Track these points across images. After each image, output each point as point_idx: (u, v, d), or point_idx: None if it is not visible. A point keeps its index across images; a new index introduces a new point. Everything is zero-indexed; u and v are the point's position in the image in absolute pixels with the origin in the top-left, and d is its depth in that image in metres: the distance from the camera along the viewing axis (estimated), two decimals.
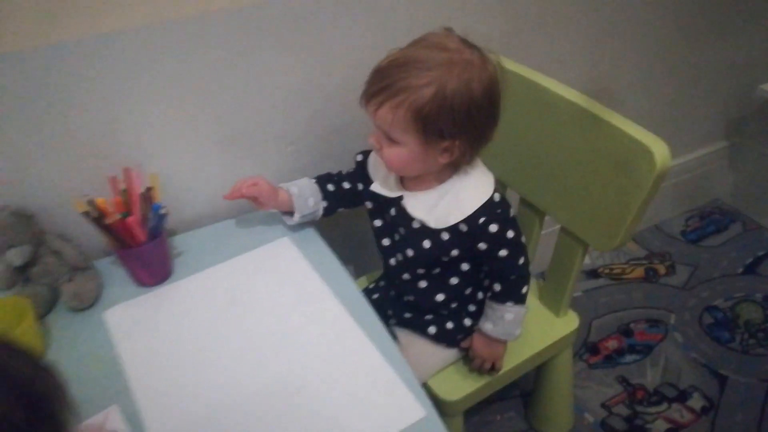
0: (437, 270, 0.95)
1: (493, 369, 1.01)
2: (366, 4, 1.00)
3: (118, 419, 0.75)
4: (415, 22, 0.91)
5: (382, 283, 1.10)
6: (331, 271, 0.95)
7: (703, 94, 1.69)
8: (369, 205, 1.00)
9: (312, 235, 1.03)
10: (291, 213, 1.01)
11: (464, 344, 1.01)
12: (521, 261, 0.92)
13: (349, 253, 1.15)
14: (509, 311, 0.94)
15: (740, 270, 1.75)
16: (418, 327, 1.02)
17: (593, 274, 1.75)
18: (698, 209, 1.98)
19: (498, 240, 0.88)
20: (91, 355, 0.83)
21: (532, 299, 1.16)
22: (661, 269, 1.76)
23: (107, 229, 0.85)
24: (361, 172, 1.00)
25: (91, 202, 0.85)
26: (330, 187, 1.02)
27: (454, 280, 0.97)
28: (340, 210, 1.04)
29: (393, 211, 0.94)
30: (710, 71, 1.64)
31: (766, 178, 1.86)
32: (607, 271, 1.76)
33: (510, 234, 0.89)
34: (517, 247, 0.91)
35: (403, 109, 0.78)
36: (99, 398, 0.77)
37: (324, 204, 1.02)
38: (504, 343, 0.99)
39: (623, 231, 0.94)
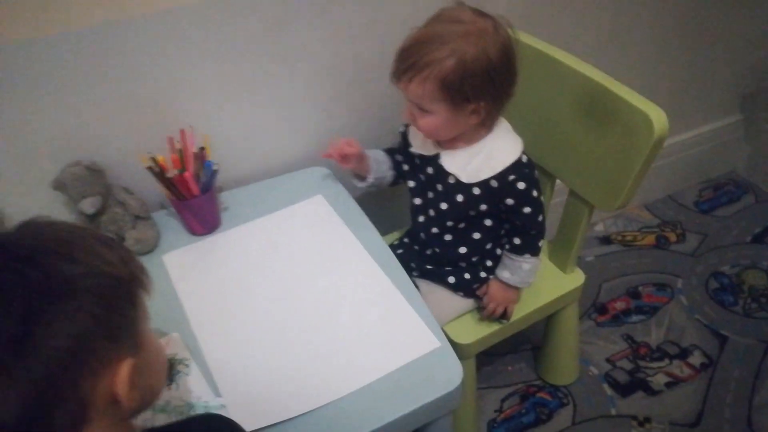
0: (463, 224, 1.07)
1: (505, 315, 1.12)
2: None
3: (180, 344, 0.89)
4: None
5: (405, 240, 1.22)
6: (360, 226, 1.07)
7: (718, 66, 1.74)
8: (405, 167, 1.12)
9: (343, 193, 1.14)
10: (362, 177, 1.13)
11: (480, 292, 1.12)
12: (540, 218, 1.04)
13: (376, 213, 1.27)
14: (527, 262, 1.06)
15: (749, 239, 1.82)
16: (438, 277, 1.13)
17: (606, 240, 1.85)
18: (713, 181, 2.04)
19: (524, 197, 1.00)
20: (153, 292, 0.97)
21: (542, 257, 1.27)
22: (672, 237, 1.85)
23: (167, 183, 0.98)
24: (404, 142, 1.11)
25: (153, 159, 0.97)
26: (398, 157, 1.14)
27: (476, 235, 1.08)
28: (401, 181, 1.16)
29: (430, 170, 1.05)
30: (725, 44, 1.69)
31: None
32: (619, 237, 1.85)
33: (534, 193, 1.01)
34: (539, 206, 1.03)
35: (430, 82, 0.89)
36: (161, 327, 0.90)
37: (392, 173, 1.14)
38: (518, 290, 1.10)
39: (625, 192, 1.03)
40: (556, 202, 1.29)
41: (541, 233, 1.06)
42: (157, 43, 0.98)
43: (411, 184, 1.11)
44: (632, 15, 1.45)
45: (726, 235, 1.84)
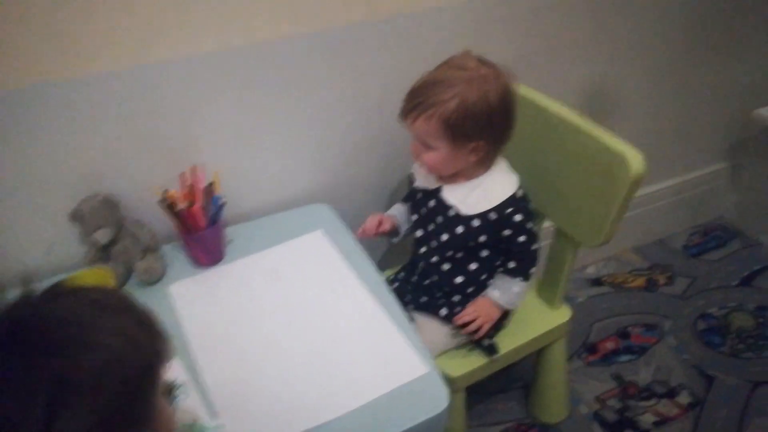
0: (461, 254, 1.14)
1: (478, 332, 1.15)
2: (396, 34, 1.19)
3: (179, 370, 0.94)
4: (439, 49, 1.09)
5: (401, 274, 1.28)
6: (357, 259, 1.13)
7: (704, 115, 1.82)
8: (409, 202, 1.22)
9: (343, 229, 1.21)
10: (395, 235, 1.23)
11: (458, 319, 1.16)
12: (534, 247, 1.12)
13: (375, 249, 1.33)
14: (517, 285, 1.14)
15: (736, 282, 1.87)
16: (431, 308, 1.19)
17: (597, 282, 1.90)
18: (702, 226, 2.10)
19: (520, 228, 1.08)
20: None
21: (530, 293, 1.32)
22: (661, 279, 1.90)
23: (176, 215, 1.05)
24: (410, 185, 1.21)
25: (165, 192, 1.05)
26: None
27: (473, 266, 1.15)
28: None
29: (432, 203, 1.13)
30: (711, 94, 1.78)
31: (765, 197, 1.99)
32: (610, 280, 1.91)
33: (529, 224, 1.10)
34: (533, 235, 1.11)
35: (434, 120, 0.99)
36: None
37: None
38: (501, 311, 1.16)
39: (606, 229, 1.10)
40: (543, 245, 1.35)
41: (534, 260, 1.14)
42: (177, 87, 1.07)
43: (414, 217, 1.19)
44: (622, 66, 1.55)
45: (714, 278, 1.89)
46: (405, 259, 1.28)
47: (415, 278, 1.24)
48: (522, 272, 1.14)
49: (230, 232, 1.20)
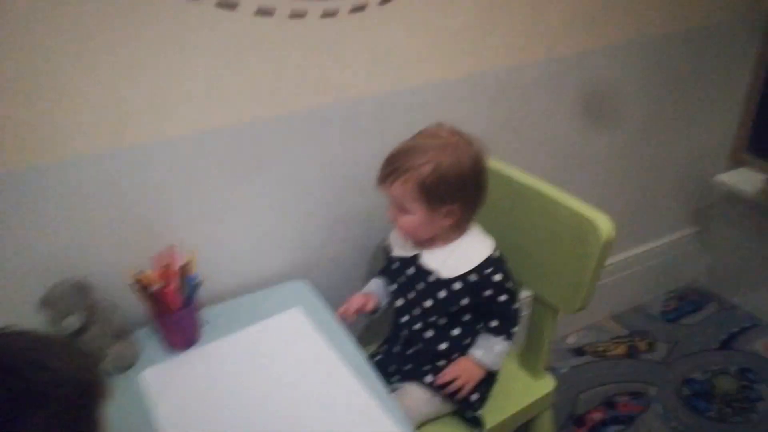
0: (443, 320, 1.14)
1: (460, 393, 1.13)
2: (367, 114, 1.23)
3: None
4: (409, 127, 1.13)
5: (384, 347, 1.26)
6: (336, 335, 1.11)
7: (669, 181, 1.89)
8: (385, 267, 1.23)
9: (321, 306, 1.19)
10: (375, 310, 1.22)
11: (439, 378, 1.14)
12: (515, 306, 1.13)
13: (356, 325, 1.31)
14: (499, 344, 1.13)
15: (716, 345, 1.88)
16: (416, 376, 1.17)
17: (579, 351, 1.88)
18: (676, 291, 2.13)
19: (500, 287, 1.10)
20: (129, 407, 0.98)
21: (512, 364, 1.31)
22: (642, 346, 1.89)
23: (149, 297, 1.03)
24: (387, 255, 1.22)
25: (138, 274, 1.03)
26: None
27: (455, 331, 1.15)
28: None
29: (411, 271, 1.15)
30: (673, 160, 1.85)
31: (736, 260, 2.04)
32: (591, 349, 1.89)
33: (509, 284, 1.12)
34: (513, 294, 1.13)
35: (410, 184, 1.03)
36: None
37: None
38: (483, 371, 1.14)
39: (583, 293, 1.11)
40: (522, 315, 1.35)
41: (515, 319, 1.14)
42: (153, 169, 1.07)
43: (392, 287, 1.19)
44: (587, 140, 1.61)
45: (694, 342, 1.90)
46: (386, 332, 1.26)
47: (398, 348, 1.22)
48: (504, 331, 1.14)
49: (205, 313, 1.17)
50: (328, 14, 1.11)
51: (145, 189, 1.09)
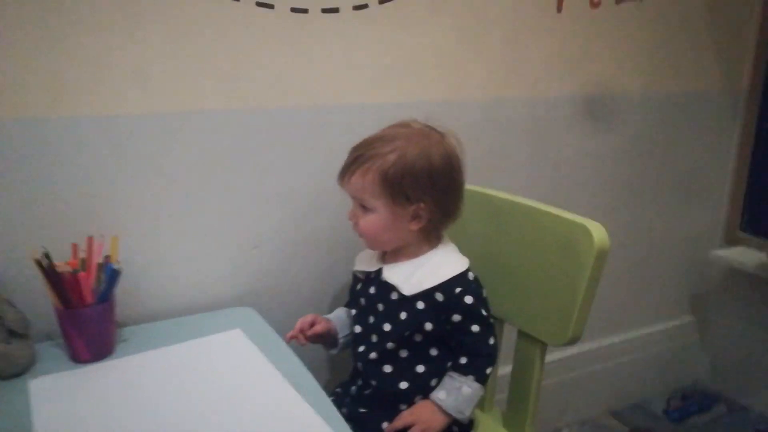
0: (405, 353, 0.95)
1: None
2: (336, 124, 1.14)
3: None
4: None
5: (339, 389, 1.05)
6: (282, 357, 0.92)
7: (663, 261, 1.76)
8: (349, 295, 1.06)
9: (267, 332, 1.01)
10: (332, 344, 1.04)
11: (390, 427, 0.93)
12: (491, 341, 0.94)
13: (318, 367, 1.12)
14: (468, 385, 0.92)
15: None
16: (371, 422, 0.94)
17: None
18: (679, 390, 1.91)
19: (472, 314, 0.93)
20: (7, 420, 0.77)
21: (495, 426, 1.09)
22: None
23: (55, 283, 0.85)
24: (353, 282, 1.07)
25: (46, 254, 0.86)
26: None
27: (420, 368, 0.95)
28: None
29: (372, 289, 0.98)
30: (667, 239, 1.74)
31: (741, 355, 1.85)
32: None
33: (483, 312, 0.94)
34: (489, 326, 0.95)
35: (371, 174, 0.89)
36: None
37: None
38: (446, 419, 0.92)
39: (574, 319, 0.94)
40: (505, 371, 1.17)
41: (490, 357, 0.94)
42: (86, 149, 0.95)
43: (353, 312, 1.03)
44: (569, 196, 1.50)
45: None
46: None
47: (354, 388, 1.01)
48: (475, 370, 0.93)
49: (128, 332, 0.99)
50: (298, 10, 1.06)
51: (67, 168, 0.95)
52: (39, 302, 0.89)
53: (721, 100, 1.70)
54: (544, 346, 1.02)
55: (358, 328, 1.00)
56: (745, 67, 1.69)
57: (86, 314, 0.87)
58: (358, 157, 0.91)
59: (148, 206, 1.02)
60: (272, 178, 1.11)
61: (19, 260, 0.91)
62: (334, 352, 1.06)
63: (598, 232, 0.92)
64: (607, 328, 1.73)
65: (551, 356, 1.57)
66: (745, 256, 1.70)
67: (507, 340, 1.10)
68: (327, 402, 0.82)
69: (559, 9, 1.36)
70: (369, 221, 0.93)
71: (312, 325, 1.01)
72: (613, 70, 1.47)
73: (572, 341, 0.97)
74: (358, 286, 1.03)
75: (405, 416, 0.92)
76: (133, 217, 1.01)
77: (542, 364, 1.04)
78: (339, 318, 1.06)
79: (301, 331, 0.99)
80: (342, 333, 1.05)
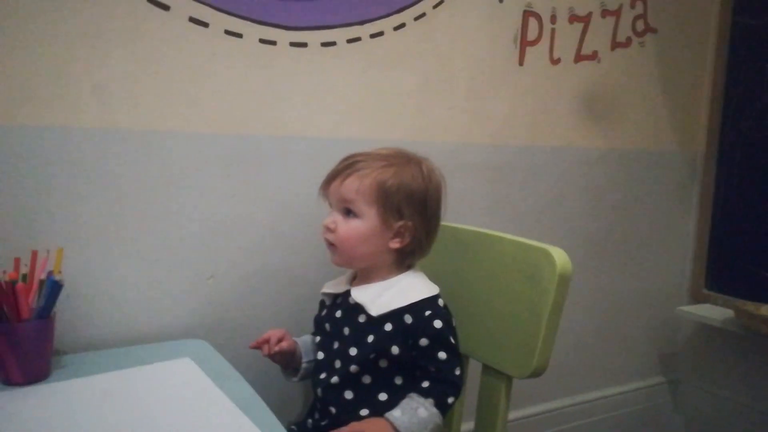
0: (368, 380, 0.91)
1: None
2: (302, 154, 1.14)
3: None
4: None
5: (297, 422, 0.99)
6: (230, 379, 0.87)
7: (627, 323, 1.75)
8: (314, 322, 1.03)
9: (221, 362, 0.95)
10: (293, 370, 1.00)
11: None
12: (458, 371, 0.91)
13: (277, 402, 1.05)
14: (426, 408, 0.87)
15: None
16: None
17: None
18: None
19: (440, 339, 0.90)
20: None
21: None
22: None
23: None
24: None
25: None
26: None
27: (382, 396, 0.91)
28: None
29: (338, 313, 0.96)
30: (633, 297, 1.74)
31: (715, 417, 1.80)
32: None
33: (452, 339, 0.92)
34: (456, 355, 0.92)
35: (369, 179, 0.89)
36: None
37: None
38: None
39: (537, 349, 0.92)
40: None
41: (454, 386, 0.90)
42: (38, 156, 0.93)
43: (317, 339, 0.99)
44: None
45: None
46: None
47: (310, 421, 0.95)
48: (437, 395, 0.88)
49: (66, 360, 0.92)
50: (267, 41, 1.08)
51: (18, 180, 0.92)
52: None
53: (679, 159, 1.75)
54: (509, 380, 0.98)
55: (320, 355, 0.96)
56: (701, 127, 1.76)
57: (22, 330, 0.81)
58: (356, 163, 0.92)
59: (97, 224, 0.98)
60: (231, 205, 1.09)
61: None
62: (294, 379, 1.01)
63: (560, 257, 0.91)
64: (575, 387, 1.68)
65: (517, 413, 1.54)
66: (711, 312, 1.69)
67: (471, 378, 1.06)
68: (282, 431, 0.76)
69: (521, 63, 1.42)
70: (351, 228, 0.91)
71: (280, 340, 0.96)
72: (572, 124, 1.52)
73: (537, 373, 0.93)
74: (323, 312, 1.00)
75: (353, 425, 0.85)
76: (81, 234, 0.97)
77: (508, 399, 0.99)
78: (305, 342, 1.02)
79: (267, 342, 0.95)
80: (306, 358, 1.00)
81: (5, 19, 0.89)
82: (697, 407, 1.85)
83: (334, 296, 0.99)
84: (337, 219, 0.92)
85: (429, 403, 0.87)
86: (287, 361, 0.99)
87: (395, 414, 0.86)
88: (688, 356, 1.86)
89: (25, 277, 0.86)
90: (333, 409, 0.92)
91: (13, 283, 0.81)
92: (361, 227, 0.90)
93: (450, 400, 0.90)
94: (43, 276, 0.87)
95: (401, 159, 0.93)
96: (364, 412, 0.90)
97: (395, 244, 0.92)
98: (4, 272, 0.83)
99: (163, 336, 1.03)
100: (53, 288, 0.84)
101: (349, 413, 0.90)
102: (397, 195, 0.90)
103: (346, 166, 0.92)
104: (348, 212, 0.91)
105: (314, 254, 1.12)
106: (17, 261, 0.87)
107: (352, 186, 0.90)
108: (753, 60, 1.66)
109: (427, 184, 0.93)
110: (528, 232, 1.42)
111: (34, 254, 0.88)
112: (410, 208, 0.91)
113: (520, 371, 0.95)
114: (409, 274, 0.96)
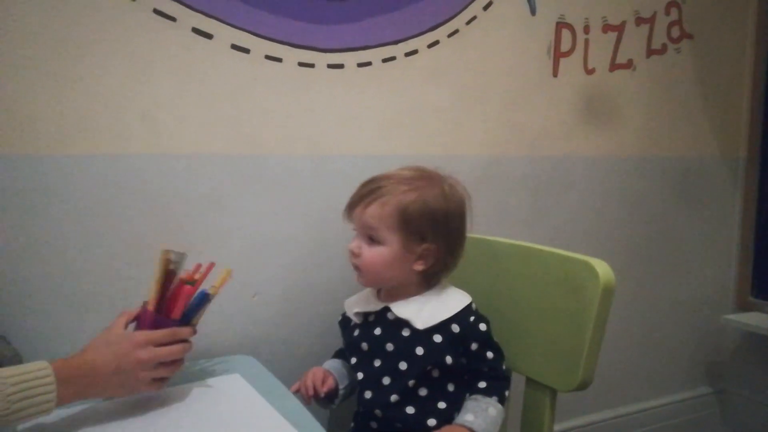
0: (425, 392, 0.93)
1: None
2: (339, 173, 1.16)
3: None
4: None
5: None
6: (288, 407, 0.87)
7: (672, 332, 1.72)
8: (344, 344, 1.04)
9: (268, 377, 0.98)
10: (330, 399, 1.00)
11: None
12: (504, 366, 0.96)
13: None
14: (493, 406, 0.91)
15: None
16: None
17: None
18: None
19: (487, 341, 0.94)
20: None
21: None
22: None
23: (165, 284, 0.84)
24: (344, 330, 1.04)
25: (178, 254, 0.85)
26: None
27: (441, 405, 0.93)
28: None
29: (378, 330, 0.96)
30: (673, 309, 1.71)
31: (764, 428, 1.76)
32: None
33: (495, 339, 0.96)
34: (501, 352, 0.96)
35: (390, 206, 0.90)
36: None
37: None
38: None
39: (582, 362, 0.92)
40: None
41: (507, 381, 0.96)
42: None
43: (353, 360, 0.99)
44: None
45: None
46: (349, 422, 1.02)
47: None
48: (496, 392, 0.93)
49: None
50: (305, 64, 1.11)
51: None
52: (34, 339, 0.87)
53: (721, 166, 1.72)
54: (554, 393, 0.98)
55: (360, 375, 0.97)
56: (741, 133, 1.73)
57: (165, 326, 0.83)
58: (377, 189, 0.92)
59: (146, 244, 1.02)
60: (273, 224, 1.12)
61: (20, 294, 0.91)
62: (333, 406, 1.02)
63: (603, 269, 0.91)
64: (619, 399, 1.66)
65: (561, 425, 1.52)
66: (758, 320, 1.66)
67: (515, 393, 1.06)
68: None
69: (555, 74, 1.42)
70: (375, 254, 0.92)
71: (323, 381, 0.98)
72: (609, 133, 1.51)
73: (582, 386, 0.93)
74: (356, 333, 1.00)
75: None
76: (133, 255, 1.01)
77: (553, 412, 0.99)
78: (336, 369, 1.03)
79: (314, 386, 0.96)
80: (342, 384, 1.01)
81: (59, 55, 0.94)
82: (745, 417, 1.80)
83: (365, 314, 0.99)
84: (361, 244, 0.94)
85: (494, 400, 0.92)
86: (329, 396, 1.00)
87: (469, 418, 0.89)
88: (735, 365, 1.82)
89: (194, 280, 0.87)
90: (399, 425, 0.93)
91: (185, 283, 0.85)
92: (384, 253, 0.92)
93: (507, 393, 0.94)
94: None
95: (423, 181, 0.93)
96: (431, 421, 0.92)
97: (419, 266, 0.93)
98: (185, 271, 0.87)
99: (210, 353, 1.06)
100: (201, 299, 0.87)
101: (416, 424, 0.92)
102: (419, 220, 0.90)
103: (369, 192, 0.93)
104: (371, 239, 0.93)
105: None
106: (198, 266, 0.89)
107: (374, 213, 0.91)
108: None
109: (449, 204, 0.93)
110: (567, 244, 1.43)
111: (211, 265, 0.89)
112: (433, 231, 0.91)
113: (565, 385, 0.95)
114: (440, 288, 0.98)
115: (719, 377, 1.84)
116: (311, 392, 0.96)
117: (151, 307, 0.84)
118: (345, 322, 1.04)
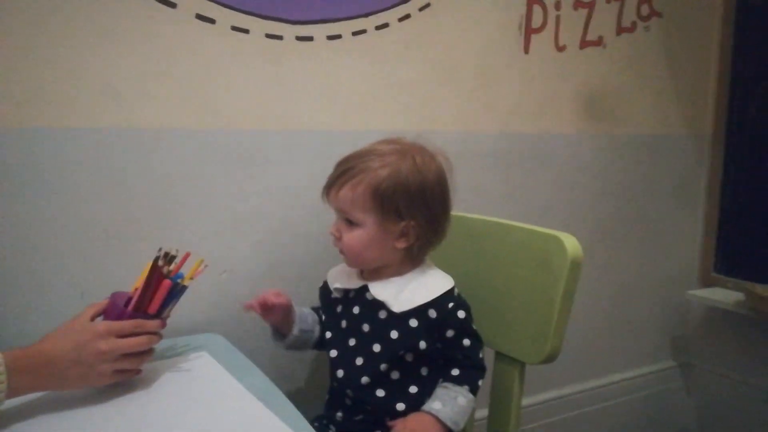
0: (397, 375, 0.92)
1: None
2: (311, 149, 1.14)
3: None
4: None
5: (322, 415, 1.00)
6: (257, 385, 0.86)
7: (638, 307, 1.76)
8: (323, 317, 1.02)
9: (237, 355, 0.97)
10: (282, 335, 0.99)
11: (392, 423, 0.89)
12: (481, 354, 0.95)
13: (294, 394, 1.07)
14: (464, 396, 0.91)
15: None
16: None
17: None
18: None
19: (464, 328, 0.93)
20: None
21: None
22: None
23: (151, 282, 0.82)
24: (323, 300, 1.03)
25: (168, 255, 0.84)
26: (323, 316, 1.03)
27: (413, 389, 0.93)
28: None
29: (356, 309, 0.95)
30: (640, 284, 1.74)
31: (728, 400, 1.81)
32: None
33: (473, 326, 0.95)
34: (479, 339, 0.95)
35: (362, 186, 0.88)
36: None
37: (318, 328, 1.02)
38: (442, 430, 0.87)
39: (551, 334, 0.93)
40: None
41: (482, 370, 0.95)
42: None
43: (328, 335, 0.99)
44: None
45: None
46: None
47: (340, 414, 0.96)
48: (469, 381, 0.92)
49: None
50: (273, 36, 1.09)
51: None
52: None
53: (687, 143, 1.75)
54: (523, 366, 0.99)
55: (334, 353, 0.96)
56: (708, 110, 1.75)
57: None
58: (348, 170, 0.90)
59: (110, 222, 1.00)
60: (242, 200, 1.10)
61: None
62: (281, 344, 1.00)
63: (571, 243, 0.92)
64: (587, 373, 1.69)
65: (530, 399, 1.55)
66: (721, 295, 1.70)
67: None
68: (306, 424, 0.77)
69: (527, 51, 1.42)
70: (354, 236, 0.90)
71: (276, 296, 0.96)
72: (579, 111, 1.52)
73: (550, 358, 0.95)
74: (338, 308, 0.99)
75: (398, 428, 0.87)
76: (93, 232, 0.99)
77: (522, 385, 1.01)
78: (302, 312, 1.02)
79: (265, 300, 0.94)
80: (300, 326, 0.99)
81: (13, 25, 0.90)
82: (709, 390, 1.86)
83: (345, 291, 0.98)
84: (341, 227, 0.92)
85: (465, 389, 0.91)
86: (279, 321, 0.98)
87: (436, 406, 0.88)
88: (699, 340, 1.87)
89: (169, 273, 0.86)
90: (369, 407, 0.93)
91: (173, 279, 0.83)
92: (363, 235, 0.90)
93: (480, 383, 0.93)
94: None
95: (395, 156, 0.90)
96: (400, 406, 0.91)
97: (401, 244, 0.91)
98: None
99: (179, 331, 1.04)
100: (175, 292, 0.85)
101: (385, 408, 0.92)
102: (393, 197, 0.88)
103: (341, 173, 0.90)
104: (349, 221, 0.91)
105: (326, 247, 1.11)
106: (187, 255, 0.87)
107: (346, 197, 0.89)
108: (759, 41, 1.65)
109: (424, 177, 0.89)
110: (538, 219, 1.44)
111: (187, 255, 0.87)
112: (409, 207, 0.89)
113: (534, 357, 0.96)
114: (423, 268, 0.96)
115: (684, 351, 1.88)
116: (260, 300, 0.94)
117: (131, 308, 0.82)
118: (325, 290, 1.02)
